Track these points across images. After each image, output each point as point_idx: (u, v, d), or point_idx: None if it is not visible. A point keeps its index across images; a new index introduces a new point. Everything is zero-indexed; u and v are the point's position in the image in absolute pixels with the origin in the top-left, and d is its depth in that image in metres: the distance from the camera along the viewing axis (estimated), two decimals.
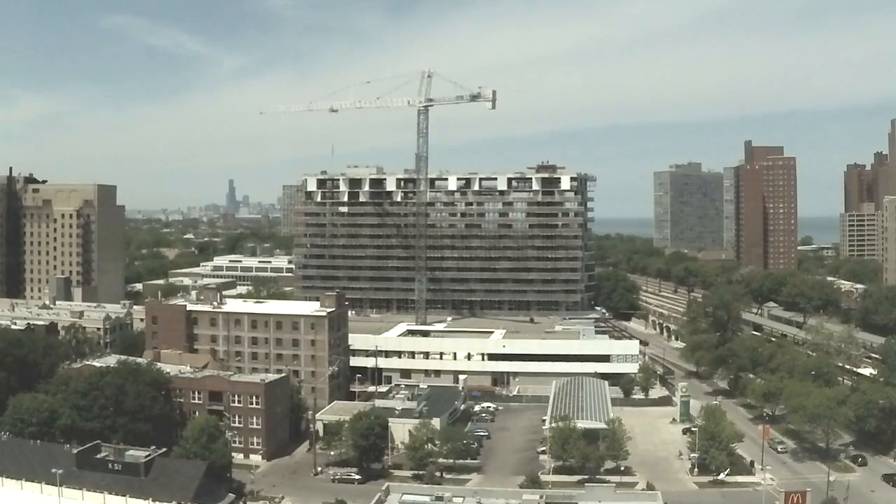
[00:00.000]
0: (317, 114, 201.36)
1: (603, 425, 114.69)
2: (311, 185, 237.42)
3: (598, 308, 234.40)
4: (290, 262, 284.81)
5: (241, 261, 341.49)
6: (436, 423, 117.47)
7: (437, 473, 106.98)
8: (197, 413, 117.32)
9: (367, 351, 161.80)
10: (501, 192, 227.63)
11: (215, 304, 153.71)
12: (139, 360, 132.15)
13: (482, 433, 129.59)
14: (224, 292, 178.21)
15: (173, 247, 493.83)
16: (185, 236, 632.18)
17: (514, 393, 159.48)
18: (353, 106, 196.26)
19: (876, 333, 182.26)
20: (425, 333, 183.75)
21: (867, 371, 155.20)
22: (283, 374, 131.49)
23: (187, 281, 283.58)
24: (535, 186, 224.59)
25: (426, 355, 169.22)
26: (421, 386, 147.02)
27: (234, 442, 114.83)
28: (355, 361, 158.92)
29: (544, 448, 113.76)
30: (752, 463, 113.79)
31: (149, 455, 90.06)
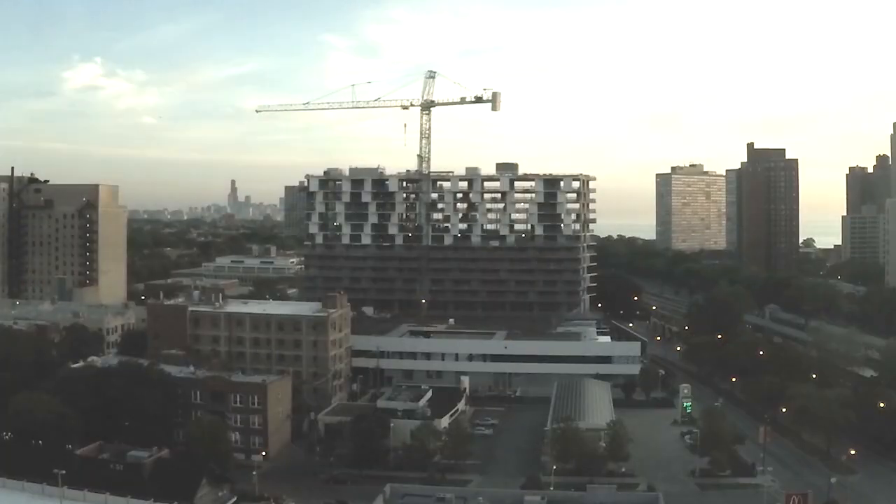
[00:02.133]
0: (317, 113, 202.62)
1: (604, 426, 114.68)
2: (314, 186, 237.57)
3: (598, 309, 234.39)
4: (292, 262, 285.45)
5: (243, 261, 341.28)
6: (437, 423, 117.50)
7: (438, 474, 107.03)
8: (198, 413, 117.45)
9: (368, 352, 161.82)
10: (503, 193, 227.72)
11: (217, 304, 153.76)
12: (140, 360, 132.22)
13: (483, 433, 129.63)
14: (226, 293, 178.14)
15: (175, 247, 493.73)
16: (187, 236, 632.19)
17: (516, 394, 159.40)
18: (351, 105, 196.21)
19: (878, 336, 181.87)
20: (427, 334, 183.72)
21: (869, 373, 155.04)
22: (284, 375, 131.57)
23: (189, 281, 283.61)
24: (538, 187, 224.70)
25: (428, 356, 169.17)
26: (422, 387, 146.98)
27: (235, 442, 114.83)
28: (357, 362, 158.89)
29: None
30: (753, 464, 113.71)
31: (150, 455, 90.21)
